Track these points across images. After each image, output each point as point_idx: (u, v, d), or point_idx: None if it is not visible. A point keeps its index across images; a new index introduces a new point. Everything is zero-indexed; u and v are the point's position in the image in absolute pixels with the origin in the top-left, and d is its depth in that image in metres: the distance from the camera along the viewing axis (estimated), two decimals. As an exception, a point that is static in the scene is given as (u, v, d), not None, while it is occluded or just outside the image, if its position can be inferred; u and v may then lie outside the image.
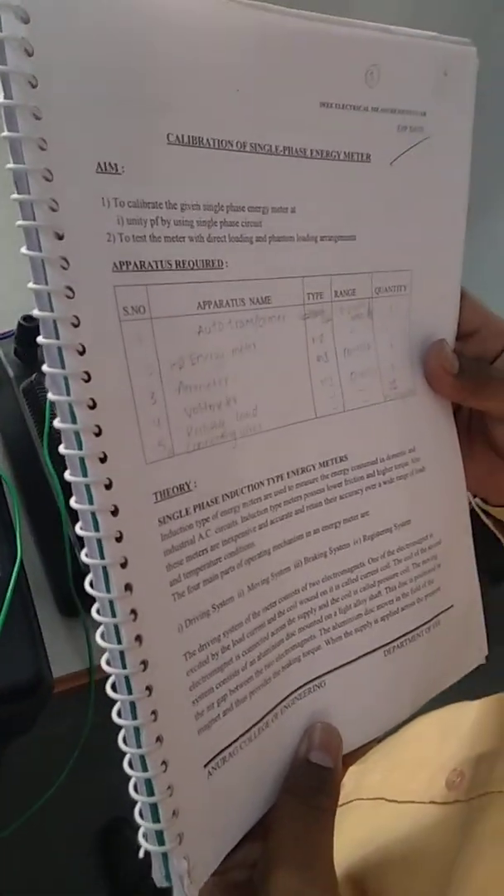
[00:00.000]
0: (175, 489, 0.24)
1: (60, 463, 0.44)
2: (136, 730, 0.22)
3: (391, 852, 0.37)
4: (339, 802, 0.43)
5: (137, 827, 0.23)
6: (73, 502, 0.22)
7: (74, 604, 0.42)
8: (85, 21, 0.21)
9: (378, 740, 0.32)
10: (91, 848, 1.00)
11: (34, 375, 0.47)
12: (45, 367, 0.21)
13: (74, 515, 0.22)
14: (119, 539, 0.22)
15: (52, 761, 0.50)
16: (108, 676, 0.22)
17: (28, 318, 0.49)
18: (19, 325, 0.49)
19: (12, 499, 0.43)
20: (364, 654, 0.31)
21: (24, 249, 0.20)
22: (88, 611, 0.43)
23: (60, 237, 0.21)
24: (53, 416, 0.23)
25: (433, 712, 0.47)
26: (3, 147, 0.20)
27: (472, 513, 0.40)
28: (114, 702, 0.23)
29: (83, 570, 0.35)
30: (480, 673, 0.43)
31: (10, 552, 0.39)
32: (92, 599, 0.23)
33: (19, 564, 0.38)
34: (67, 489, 0.47)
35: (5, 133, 0.20)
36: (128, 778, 0.23)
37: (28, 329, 0.49)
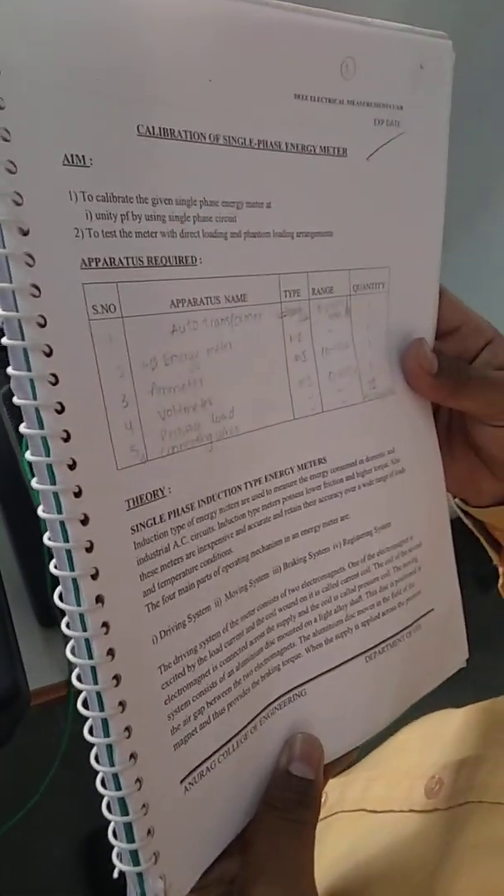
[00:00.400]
0: (148, 496, 0.23)
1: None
2: (109, 747, 0.22)
3: (372, 866, 0.36)
4: (322, 816, 0.43)
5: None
6: (40, 511, 0.21)
7: (53, 614, 0.41)
8: (49, 11, 0.20)
9: (359, 748, 0.31)
10: (75, 859, 0.99)
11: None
12: (10, 370, 0.20)
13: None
14: (89, 549, 0.21)
15: (33, 771, 0.48)
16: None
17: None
18: (0, 331, 0.48)
19: (-10, 507, 0.42)
20: (345, 661, 0.30)
21: (-15, 246, 0.19)
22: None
23: (25, 233, 0.20)
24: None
25: (418, 721, 0.47)
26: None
27: (459, 521, 0.40)
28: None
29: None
30: (469, 682, 0.43)
31: (-12, 561, 0.38)
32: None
33: (-3, 573, 0.37)
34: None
35: (-36, 123, 0.19)
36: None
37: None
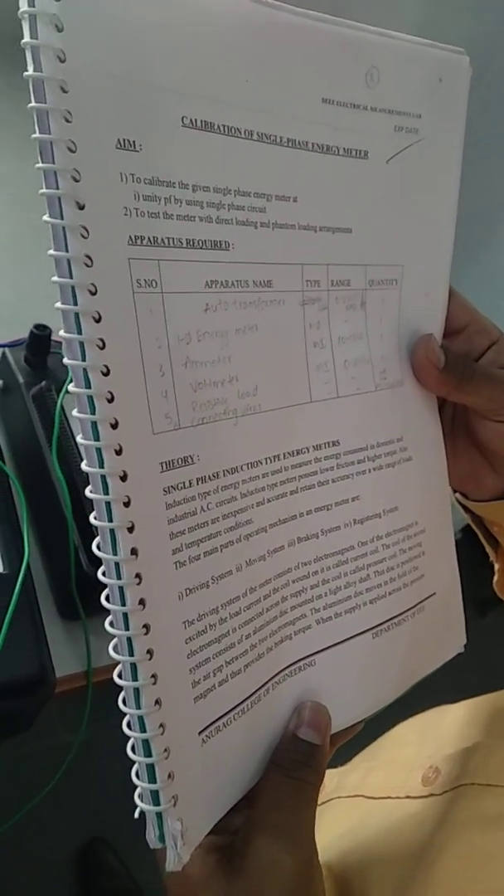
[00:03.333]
0: (180, 461, 0.25)
1: (67, 469, 0.44)
2: (137, 691, 0.23)
3: (367, 845, 0.37)
4: (320, 801, 0.44)
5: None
6: (84, 465, 0.22)
7: (76, 607, 0.42)
8: (112, 10, 0.22)
9: (364, 722, 0.33)
10: (67, 868, 0.98)
11: (43, 382, 0.48)
12: (61, 333, 0.22)
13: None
14: (127, 504, 0.23)
15: (36, 777, 0.49)
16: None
17: (39, 327, 0.49)
18: (31, 333, 0.49)
19: (20, 501, 0.43)
20: (353, 636, 0.32)
21: (46, 217, 0.21)
22: (89, 615, 0.42)
23: (81, 207, 0.21)
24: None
25: (413, 717, 0.48)
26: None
27: (458, 543, 0.41)
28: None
29: (85, 571, 0.35)
30: (463, 693, 0.44)
31: (18, 551, 0.40)
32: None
33: (26, 563, 0.39)
34: (74, 496, 0.47)
35: (33, 104, 0.21)
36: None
37: (39, 337, 0.49)
